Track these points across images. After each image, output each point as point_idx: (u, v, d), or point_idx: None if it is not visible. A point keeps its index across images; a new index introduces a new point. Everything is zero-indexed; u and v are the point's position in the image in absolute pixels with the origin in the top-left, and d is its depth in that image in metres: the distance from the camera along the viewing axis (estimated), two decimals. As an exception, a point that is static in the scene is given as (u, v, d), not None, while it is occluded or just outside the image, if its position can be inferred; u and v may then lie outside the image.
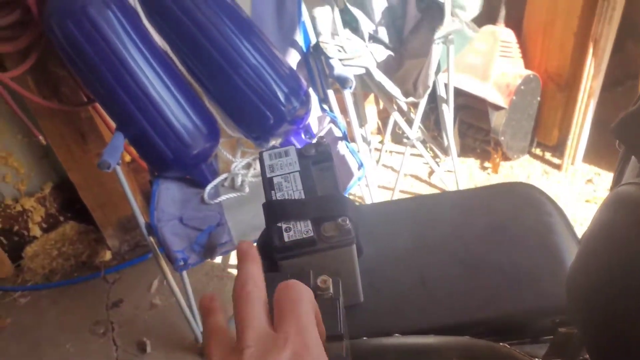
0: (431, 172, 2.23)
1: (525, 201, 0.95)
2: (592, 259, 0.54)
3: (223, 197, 1.51)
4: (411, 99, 1.75)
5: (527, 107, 2.04)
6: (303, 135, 1.61)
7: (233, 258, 1.99)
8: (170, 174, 1.54)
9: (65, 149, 1.79)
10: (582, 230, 0.60)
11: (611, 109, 2.06)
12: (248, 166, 1.61)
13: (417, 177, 2.24)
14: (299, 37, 1.67)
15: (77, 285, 2.00)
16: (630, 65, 2.19)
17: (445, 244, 0.88)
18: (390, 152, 2.39)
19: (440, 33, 1.63)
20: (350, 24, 1.85)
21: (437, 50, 1.65)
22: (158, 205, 1.45)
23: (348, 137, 1.58)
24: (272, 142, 1.56)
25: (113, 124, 1.47)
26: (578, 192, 2.02)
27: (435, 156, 2.24)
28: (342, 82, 1.48)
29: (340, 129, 1.60)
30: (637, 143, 0.57)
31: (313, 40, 1.68)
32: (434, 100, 1.98)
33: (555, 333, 0.70)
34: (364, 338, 0.71)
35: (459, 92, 2.04)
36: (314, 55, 1.68)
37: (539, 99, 2.06)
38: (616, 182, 0.67)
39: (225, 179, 1.58)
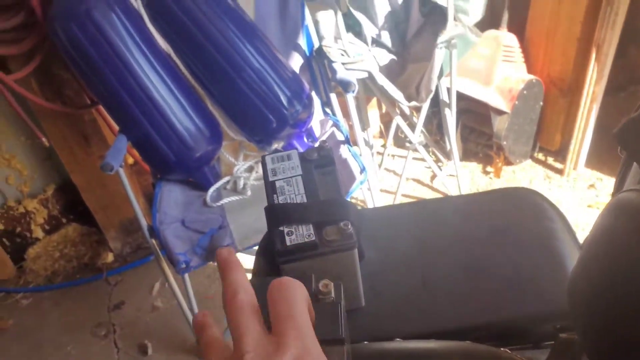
0: (433, 176, 2.23)
1: (527, 206, 0.95)
2: (593, 264, 0.54)
3: (225, 200, 1.51)
4: (414, 103, 1.75)
5: (529, 111, 2.04)
6: (305, 139, 1.61)
7: (235, 261, 1.99)
8: (172, 177, 1.55)
9: (68, 151, 1.79)
10: (584, 236, 0.60)
11: (614, 114, 2.06)
12: (250, 169, 1.61)
13: (419, 181, 2.24)
14: (302, 41, 1.67)
15: (79, 287, 2.00)
16: (633, 70, 2.19)
17: (447, 249, 0.88)
18: (393, 155, 2.39)
19: (443, 37, 1.63)
20: (354, 28, 1.86)
21: (439, 54, 1.65)
22: (160, 208, 1.45)
23: (350, 140, 1.59)
24: (275, 146, 1.57)
25: (116, 127, 1.47)
26: (580, 197, 2.02)
27: (437, 160, 2.24)
28: (345, 86, 1.48)
29: (342, 132, 1.60)
30: (639, 149, 0.57)
31: (316, 44, 1.68)
32: (437, 105, 1.98)
33: (556, 338, 0.70)
34: (365, 342, 0.71)
35: (461, 97, 2.04)
36: (317, 59, 1.68)
37: (541, 103, 2.05)
38: (618, 188, 0.67)
39: (228, 181, 1.58)
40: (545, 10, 1.94)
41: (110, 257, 2.06)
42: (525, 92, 1.96)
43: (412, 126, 1.90)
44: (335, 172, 0.79)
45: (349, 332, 0.49)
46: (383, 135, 2.43)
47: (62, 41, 1.30)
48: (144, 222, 1.40)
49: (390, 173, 2.31)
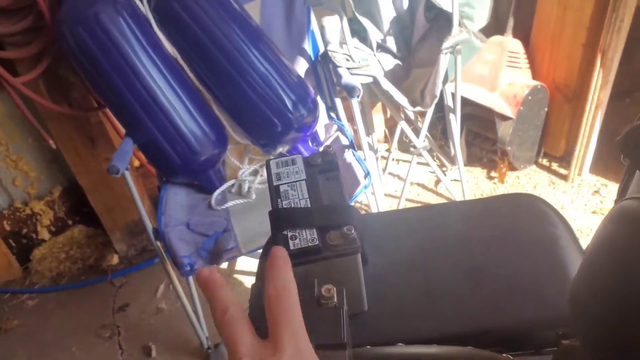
0: (437, 181, 2.23)
1: (530, 212, 0.96)
2: (594, 272, 0.54)
3: (230, 204, 1.52)
4: (418, 108, 1.76)
5: (534, 117, 2.05)
6: (310, 143, 1.62)
7: (239, 264, 2.00)
8: (178, 180, 1.56)
9: (75, 154, 1.80)
10: (589, 242, 0.60)
11: (619, 120, 2.06)
12: (255, 173, 1.62)
13: (423, 186, 2.24)
14: (307, 46, 1.68)
15: (84, 289, 2.01)
16: (638, 76, 2.19)
17: (450, 254, 0.89)
18: (397, 160, 2.39)
19: (448, 43, 1.63)
20: (359, 33, 1.86)
21: (444, 60, 1.66)
22: (165, 211, 1.46)
23: (355, 145, 1.59)
24: (280, 150, 1.57)
25: (122, 130, 1.48)
26: (585, 203, 2.02)
27: (441, 165, 2.24)
28: (350, 90, 1.49)
29: (347, 137, 1.61)
30: (642, 157, 0.58)
31: (321, 49, 1.69)
32: (441, 110, 1.98)
33: (558, 345, 0.70)
34: (368, 347, 0.71)
35: (466, 102, 2.04)
36: (322, 63, 1.69)
37: (546, 109, 2.06)
38: (621, 195, 0.67)
39: (233, 185, 1.59)
40: (551, 16, 1.94)
41: (115, 259, 2.07)
42: (530, 97, 1.96)
43: (417, 131, 1.90)
44: (339, 177, 0.80)
45: (351, 337, 0.50)
46: (387, 139, 2.43)
47: (69, 45, 1.31)
48: (149, 225, 1.41)
49: (395, 178, 2.31)
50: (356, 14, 1.80)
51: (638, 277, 0.45)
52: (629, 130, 0.57)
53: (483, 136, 2.23)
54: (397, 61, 1.90)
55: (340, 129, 1.66)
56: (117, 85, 1.34)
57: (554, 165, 2.21)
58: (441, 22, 1.74)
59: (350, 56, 1.65)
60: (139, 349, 1.75)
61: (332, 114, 1.72)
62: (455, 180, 2.19)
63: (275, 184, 0.77)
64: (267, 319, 0.38)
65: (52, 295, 2.00)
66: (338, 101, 1.70)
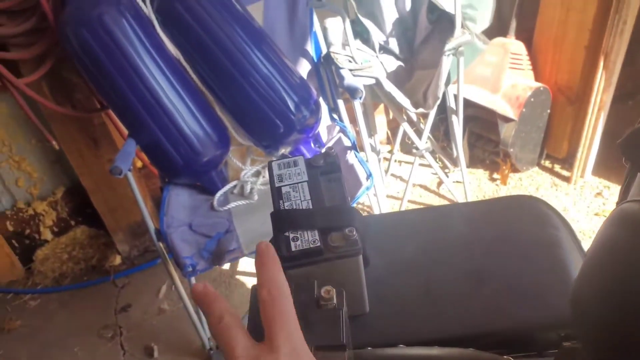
0: (440, 183, 2.23)
1: (532, 214, 0.96)
2: (595, 274, 0.54)
3: (232, 205, 1.52)
4: (421, 109, 1.76)
5: (536, 119, 2.04)
6: (312, 144, 1.62)
7: (241, 265, 2.00)
8: (180, 181, 1.56)
9: (78, 155, 1.81)
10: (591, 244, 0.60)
11: (621, 122, 2.06)
12: (257, 174, 1.62)
13: (425, 188, 2.24)
14: (310, 47, 1.68)
15: (87, 289, 2.02)
16: (641, 78, 2.19)
17: (452, 256, 0.89)
18: (399, 162, 2.40)
19: (450, 45, 1.63)
20: (361, 34, 1.87)
21: (447, 61, 1.66)
22: (168, 212, 1.46)
23: (357, 146, 1.59)
24: (282, 151, 1.58)
25: (125, 131, 1.48)
26: (587, 205, 2.02)
27: (444, 167, 2.24)
28: (352, 92, 1.49)
29: (349, 138, 1.61)
30: (643, 160, 0.58)
31: (324, 50, 1.69)
32: (444, 111, 1.98)
33: (559, 347, 0.70)
34: (369, 348, 0.72)
35: (468, 104, 2.04)
36: (325, 65, 1.69)
37: (548, 111, 2.05)
38: (622, 198, 0.67)
39: (235, 186, 1.59)
40: (554, 18, 1.94)
41: (117, 260, 2.07)
42: (532, 99, 1.96)
43: (419, 132, 1.90)
44: (341, 179, 0.80)
45: (351, 338, 0.50)
46: (390, 141, 2.43)
47: (73, 46, 1.32)
48: (151, 226, 1.41)
49: (397, 179, 2.31)
50: (359, 15, 1.80)
51: (638, 278, 0.45)
52: (630, 132, 0.57)
53: (485, 138, 2.23)
54: (400, 63, 1.90)
55: (343, 130, 1.66)
56: (120, 87, 1.34)
57: (557, 167, 2.20)
58: (444, 23, 1.74)
59: (352, 58, 1.65)
60: (141, 350, 1.75)
61: (335, 116, 1.72)
62: (457, 181, 2.19)
63: (277, 185, 0.77)
64: (262, 322, 0.39)
65: (55, 295, 2.01)
66: (340, 103, 1.71)
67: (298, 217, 0.71)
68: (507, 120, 2.00)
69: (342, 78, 1.56)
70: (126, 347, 1.77)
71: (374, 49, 1.86)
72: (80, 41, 1.30)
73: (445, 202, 2.15)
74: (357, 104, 1.58)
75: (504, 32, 2.03)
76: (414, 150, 1.91)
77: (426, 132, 1.88)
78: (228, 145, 1.55)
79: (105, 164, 1.82)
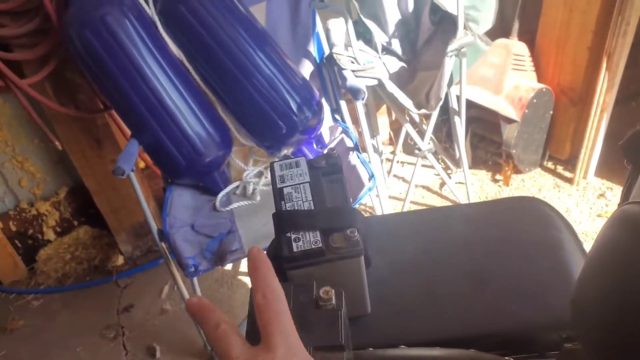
0: (442, 184, 2.23)
1: (534, 216, 0.96)
2: (596, 275, 0.54)
3: (234, 205, 1.52)
4: (423, 110, 1.76)
5: (539, 120, 2.04)
6: (315, 145, 1.62)
7: (243, 265, 2.00)
8: (183, 181, 1.56)
9: (81, 155, 1.81)
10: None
11: (624, 124, 2.06)
12: (260, 175, 1.62)
13: (428, 189, 2.24)
14: (312, 48, 1.69)
15: (89, 289, 2.02)
16: (644, 80, 2.18)
17: (454, 257, 0.89)
18: (402, 163, 2.39)
19: (453, 46, 1.63)
20: (364, 35, 1.87)
21: (449, 62, 1.66)
22: (170, 212, 1.47)
23: (359, 147, 1.59)
24: (284, 152, 1.58)
25: (128, 131, 1.49)
26: (590, 206, 2.02)
27: (446, 168, 2.24)
28: (355, 93, 1.49)
29: (351, 139, 1.61)
30: (644, 161, 0.58)
31: (326, 51, 1.70)
32: (446, 112, 1.98)
33: (561, 348, 0.70)
34: (370, 349, 0.72)
35: (471, 105, 2.04)
36: (327, 66, 1.69)
37: (551, 112, 2.05)
38: (624, 199, 0.67)
39: (237, 187, 1.60)
40: (556, 19, 1.94)
41: (120, 260, 2.07)
42: (535, 100, 1.96)
43: (422, 133, 1.90)
44: (342, 180, 0.80)
45: (350, 339, 0.50)
46: (392, 142, 2.43)
47: (76, 47, 1.32)
48: (154, 226, 1.42)
49: (399, 180, 2.31)
50: (361, 16, 1.80)
51: (638, 279, 0.45)
52: (631, 134, 0.57)
53: (488, 139, 2.23)
54: (402, 64, 1.90)
55: (345, 131, 1.66)
56: (123, 87, 1.35)
57: (559, 169, 2.20)
58: (446, 24, 1.74)
59: (355, 59, 1.66)
60: (143, 350, 1.75)
61: (337, 117, 1.73)
62: (460, 183, 2.18)
63: (279, 186, 0.77)
64: (258, 325, 0.40)
65: (58, 295, 2.01)
66: (343, 103, 1.71)
67: (300, 218, 0.71)
68: (509, 121, 2.00)
69: (344, 79, 1.57)
70: (128, 347, 1.77)
71: (376, 50, 1.86)
72: (84, 42, 1.31)
73: (448, 203, 2.14)
74: (360, 105, 1.58)
75: (506, 33, 2.03)
76: (417, 151, 1.91)
77: (429, 133, 1.88)
78: (230, 146, 1.55)
79: (108, 165, 1.82)
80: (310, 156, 1.56)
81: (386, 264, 0.87)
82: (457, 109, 1.89)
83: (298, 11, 1.64)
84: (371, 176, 1.48)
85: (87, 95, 1.68)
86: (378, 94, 1.81)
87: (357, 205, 1.61)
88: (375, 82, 1.69)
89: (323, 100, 1.63)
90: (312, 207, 0.73)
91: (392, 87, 1.71)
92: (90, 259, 2.11)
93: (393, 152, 2.34)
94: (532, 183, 2.16)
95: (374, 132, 2.14)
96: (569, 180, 2.13)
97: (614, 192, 2.04)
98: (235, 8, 1.45)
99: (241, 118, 1.53)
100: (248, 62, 1.43)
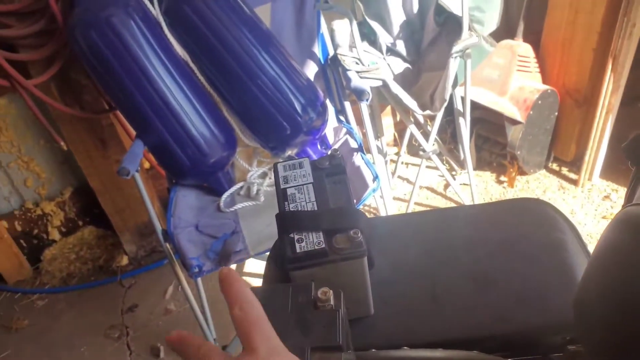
0: (447, 185, 2.23)
1: (538, 217, 0.95)
2: (599, 278, 0.54)
3: (239, 206, 1.53)
4: (428, 111, 1.76)
5: (544, 122, 2.04)
6: (319, 146, 1.62)
7: (247, 266, 2.00)
8: (187, 182, 1.56)
9: (86, 155, 1.82)
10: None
11: (630, 125, 2.05)
12: (264, 175, 1.63)
13: (432, 190, 2.23)
14: (317, 49, 1.69)
15: (94, 289, 2.03)
16: (650, 81, 2.17)
17: (457, 258, 0.89)
18: (406, 164, 2.39)
19: (457, 47, 1.63)
20: (369, 36, 1.87)
21: (454, 64, 1.65)
22: (175, 212, 1.47)
23: (364, 148, 1.59)
24: (289, 152, 1.58)
25: (133, 132, 1.49)
26: (595, 208, 2.01)
27: (451, 169, 2.24)
28: (359, 94, 1.49)
29: (356, 140, 1.61)
30: (648, 163, 0.58)
31: (331, 52, 1.70)
32: (451, 113, 1.98)
33: (564, 350, 0.70)
34: (373, 350, 0.72)
35: (475, 106, 2.04)
36: (332, 67, 1.69)
37: (556, 114, 2.05)
38: (628, 201, 0.67)
39: (241, 187, 1.60)
40: (562, 21, 1.93)
41: (124, 260, 2.08)
42: (540, 102, 1.95)
43: (426, 135, 1.90)
44: (346, 181, 0.80)
45: (350, 339, 0.50)
46: (397, 143, 2.43)
47: (81, 48, 1.33)
48: (158, 226, 1.42)
49: (404, 181, 2.31)
50: (366, 17, 1.80)
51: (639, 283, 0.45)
52: (634, 136, 0.57)
53: (493, 140, 2.22)
54: (407, 65, 1.90)
55: (349, 132, 1.66)
56: (128, 88, 1.35)
57: (564, 170, 2.20)
58: (451, 26, 1.74)
59: (359, 59, 1.66)
60: (147, 350, 1.76)
61: (341, 117, 1.73)
62: (464, 184, 2.18)
63: (282, 187, 0.77)
64: (239, 337, 0.41)
65: (62, 295, 2.02)
66: (347, 104, 1.71)
67: (303, 219, 0.71)
68: (514, 122, 2.00)
69: (349, 80, 1.57)
70: (132, 347, 1.78)
71: (381, 51, 1.86)
72: (89, 43, 1.31)
73: (452, 205, 2.14)
74: (364, 106, 1.58)
75: (511, 35, 2.03)
76: (421, 153, 1.90)
77: (433, 134, 1.88)
78: (235, 146, 1.55)
79: (113, 165, 1.83)
80: (315, 157, 1.56)
81: (389, 265, 0.87)
82: (461, 110, 1.89)
83: (303, 12, 1.64)
84: (375, 177, 1.48)
85: (92, 96, 1.69)
86: (382, 95, 1.81)
87: (361, 207, 1.61)
88: (379, 83, 1.69)
89: (327, 101, 1.63)
90: (316, 208, 0.73)
91: (396, 88, 1.71)
92: (95, 259, 2.11)
93: (397, 153, 2.34)
94: (537, 184, 2.16)
95: (378, 133, 2.14)
96: (574, 182, 2.13)
97: (619, 194, 2.03)
98: (240, 9, 1.45)
99: (245, 119, 1.53)
100: (253, 63, 1.43)
